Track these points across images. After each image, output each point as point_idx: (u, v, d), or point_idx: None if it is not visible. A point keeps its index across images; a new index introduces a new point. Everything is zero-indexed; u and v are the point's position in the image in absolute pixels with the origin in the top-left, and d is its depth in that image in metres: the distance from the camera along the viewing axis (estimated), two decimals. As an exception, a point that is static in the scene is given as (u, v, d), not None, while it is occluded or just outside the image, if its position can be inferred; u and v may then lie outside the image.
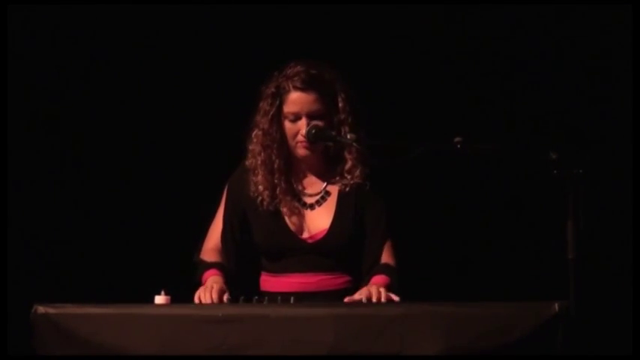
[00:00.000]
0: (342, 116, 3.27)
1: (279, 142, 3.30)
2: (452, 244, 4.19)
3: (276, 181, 3.31)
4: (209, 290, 3.09)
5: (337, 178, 3.34)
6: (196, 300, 3.08)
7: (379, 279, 3.22)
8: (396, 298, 3.03)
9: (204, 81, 4.23)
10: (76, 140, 4.24)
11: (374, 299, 3.00)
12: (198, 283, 3.23)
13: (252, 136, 3.34)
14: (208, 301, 3.04)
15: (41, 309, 2.75)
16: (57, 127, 4.22)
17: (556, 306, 2.61)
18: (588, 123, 4.12)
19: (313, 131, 3.21)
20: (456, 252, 4.19)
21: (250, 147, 3.35)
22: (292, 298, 2.98)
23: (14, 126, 4.12)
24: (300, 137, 3.26)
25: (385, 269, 3.26)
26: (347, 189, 3.32)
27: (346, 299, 3.06)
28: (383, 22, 4.19)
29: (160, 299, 2.89)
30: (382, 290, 3.04)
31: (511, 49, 4.17)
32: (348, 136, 3.19)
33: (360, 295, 3.06)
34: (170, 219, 4.15)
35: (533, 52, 4.16)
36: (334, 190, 3.35)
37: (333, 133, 3.23)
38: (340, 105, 3.28)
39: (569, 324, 2.61)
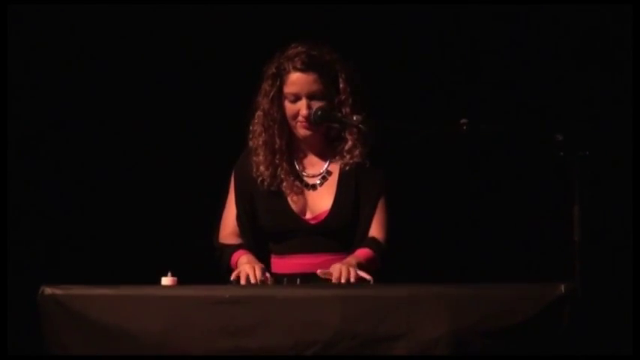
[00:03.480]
0: (343, 97, 3.28)
1: (280, 122, 3.31)
2: (457, 226, 4.19)
3: (277, 161, 3.32)
4: (251, 268, 3.10)
5: (337, 157, 3.35)
6: (243, 280, 3.08)
7: (362, 252, 3.24)
8: (367, 277, 3.04)
9: (211, 67, 4.23)
10: (84, 124, 4.24)
11: (342, 280, 3.00)
12: (226, 267, 3.26)
13: (255, 117, 3.35)
14: (253, 279, 3.05)
15: (48, 290, 2.75)
16: (65, 110, 4.22)
17: (562, 288, 2.61)
18: (593, 105, 4.11)
19: (319, 113, 3.21)
20: (462, 234, 4.19)
21: (252, 128, 3.36)
22: (298, 280, 2.99)
23: (19, 108, 4.13)
24: (300, 118, 3.27)
25: (371, 243, 3.27)
26: (347, 168, 3.33)
27: (319, 271, 3.07)
28: (388, 5, 4.18)
29: (166, 280, 2.90)
30: (352, 270, 3.04)
31: (516, 32, 4.16)
32: (354, 118, 3.19)
33: (332, 269, 3.06)
34: (177, 201, 4.16)
35: (539, 34, 4.15)
36: (335, 169, 3.36)
37: (339, 114, 3.23)
38: (341, 86, 3.29)
39: (575, 306, 2.61)
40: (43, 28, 4.15)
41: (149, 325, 2.70)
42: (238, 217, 3.39)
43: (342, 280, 3.00)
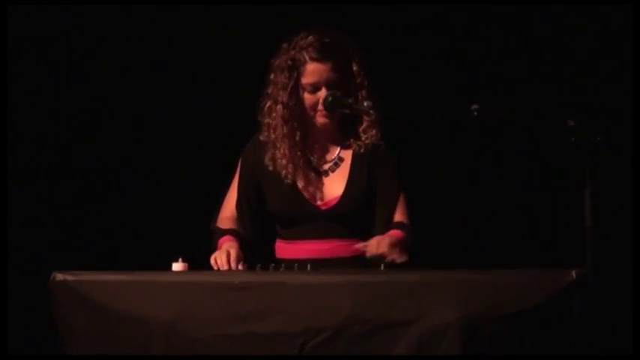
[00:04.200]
0: (359, 80, 3.28)
1: (299, 114, 3.30)
2: (468, 212, 4.19)
3: (298, 153, 3.31)
4: (225, 253, 3.12)
5: (352, 140, 3.34)
6: (212, 262, 3.10)
7: (395, 233, 3.23)
8: (403, 258, 3.06)
9: (219, 54, 4.23)
10: (92, 110, 4.24)
11: (382, 249, 3.05)
12: (214, 250, 3.25)
13: (267, 109, 3.33)
14: (224, 264, 3.07)
15: (60, 276, 2.76)
16: (75, 95, 4.22)
17: (573, 273, 2.60)
18: (604, 90, 4.10)
19: (330, 99, 3.20)
20: (472, 219, 4.18)
21: (266, 121, 3.34)
22: (309, 266, 3.00)
23: (29, 94, 4.14)
24: (320, 107, 3.26)
25: (400, 226, 3.28)
26: (361, 150, 3.32)
27: (368, 254, 3.09)
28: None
29: (177, 266, 2.90)
30: (394, 251, 3.07)
31: (527, 16, 4.14)
32: (365, 104, 3.18)
33: (376, 241, 3.10)
34: (188, 187, 4.16)
35: (551, 20, 4.13)
36: (347, 155, 3.36)
37: (350, 100, 3.23)
38: (355, 70, 3.28)
39: (586, 291, 2.60)
40: (43, 28, 4.14)
41: (160, 310, 2.71)
42: (238, 204, 3.39)
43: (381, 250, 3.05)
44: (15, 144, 4.11)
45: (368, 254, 3.09)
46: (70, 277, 2.76)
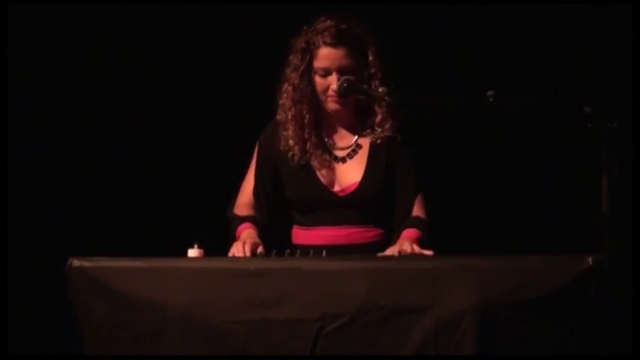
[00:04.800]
0: (373, 70, 3.27)
1: (310, 96, 3.30)
2: (484, 198, 4.18)
3: (306, 135, 3.31)
4: (242, 244, 3.11)
5: (368, 131, 3.34)
6: (231, 254, 3.10)
7: (410, 233, 3.22)
8: (429, 252, 3.02)
9: (235, 41, 4.22)
10: (109, 97, 4.25)
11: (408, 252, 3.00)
12: (232, 237, 3.26)
13: (283, 90, 3.34)
14: (242, 254, 3.06)
15: (76, 262, 2.76)
16: (95, 80, 4.23)
17: (590, 260, 2.60)
18: (621, 77, 4.08)
19: (345, 85, 3.19)
20: (489, 206, 4.18)
21: (281, 102, 3.35)
22: (324, 252, 2.99)
23: (44, 85, 4.16)
24: (330, 92, 3.26)
25: (416, 222, 3.26)
26: (378, 142, 3.32)
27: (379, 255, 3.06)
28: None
29: (193, 252, 2.90)
30: (415, 247, 3.04)
31: (544, 3, 4.12)
32: (380, 90, 3.17)
33: (391, 251, 3.06)
34: (203, 173, 4.16)
35: (568, 7, 4.11)
36: (365, 143, 3.35)
37: (365, 86, 3.22)
38: (370, 59, 3.27)
39: (603, 278, 2.60)
40: (43, 28, 4.14)
41: (175, 296, 2.71)
42: (255, 189, 3.40)
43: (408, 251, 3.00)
44: (31, 131, 4.12)
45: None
46: (86, 263, 2.76)
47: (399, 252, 3.02)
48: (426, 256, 2.98)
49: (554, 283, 2.61)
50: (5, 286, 3.83)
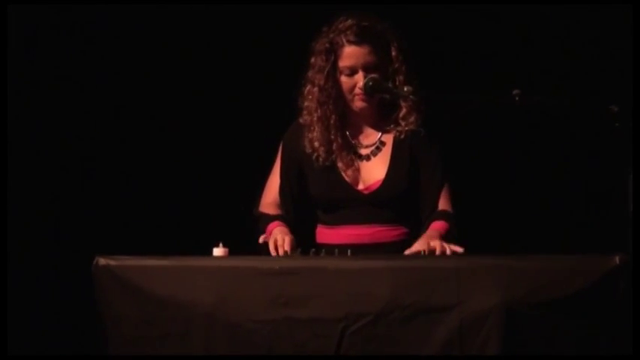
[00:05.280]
0: (396, 65, 3.27)
1: (335, 97, 3.30)
2: (511, 197, 4.16)
3: (332, 136, 3.31)
4: (281, 238, 3.11)
5: (392, 126, 3.33)
6: (271, 245, 3.10)
7: (438, 225, 3.22)
8: (459, 249, 3.01)
9: (261, 40, 4.23)
10: (134, 95, 4.27)
11: (437, 252, 2.98)
12: (260, 235, 3.26)
13: (306, 92, 3.34)
14: (282, 249, 3.07)
15: (102, 261, 2.78)
16: (117, 79, 4.25)
17: (616, 259, 2.58)
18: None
19: (370, 83, 3.19)
20: (514, 205, 4.16)
21: (305, 104, 3.35)
22: (349, 251, 2.99)
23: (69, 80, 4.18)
24: (357, 90, 3.26)
25: (443, 215, 3.26)
26: (402, 136, 3.31)
27: (407, 252, 3.05)
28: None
29: (218, 251, 2.91)
30: (444, 244, 3.02)
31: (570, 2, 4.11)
32: (405, 89, 3.17)
33: (420, 246, 3.05)
34: (228, 172, 4.17)
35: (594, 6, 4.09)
36: (389, 139, 3.35)
37: (390, 84, 3.22)
38: (393, 54, 3.27)
39: (630, 277, 2.58)
40: (42, 28, 4.16)
41: (200, 295, 2.72)
42: (281, 188, 3.40)
43: (437, 253, 2.97)
44: (53, 131, 4.15)
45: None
46: (112, 262, 2.77)
47: (427, 250, 3.00)
48: (456, 253, 2.97)
49: (581, 283, 2.60)
50: (5, 287, 3.85)
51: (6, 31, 3.98)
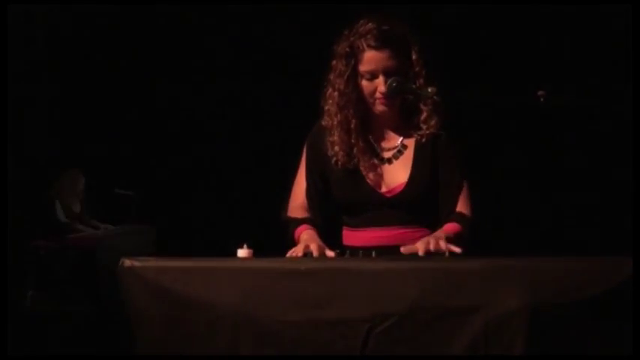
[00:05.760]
0: (417, 69, 3.27)
1: (356, 101, 3.30)
2: (531, 198, 4.16)
3: (353, 140, 3.31)
4: (306, 248, 3.08)
5: (413, 129, 3.33)
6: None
7: (450, 227, 3.22)
8: (457, 249, 3.01)
9: (282, 40, 4.24)
10: (157, 103, 4.29)
11: (431, 247, 2.98)
12: (290, 241, 3.27)
13: (327, 96, 3.34)
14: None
15: (127, 262, 2.78)
16: (144, 79, 4.27)
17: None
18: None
19: (394, 84, 3.19)
20: (536, 206, 4.16)
21: (326, 107, 3.35)
22: (374, 252, 2.99)
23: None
24: (378, 94, 3.26)
25: (458, 217, 3.26)
26: (423, 140, 3.31)
27: (402, 249, 3.05)
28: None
29: (242, 253, 2.92)
30: (441, 241, 3.02)
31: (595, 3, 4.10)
32: (429, 89, 3.17)
33: (420, 244, 3.04)
34: (252, 175, 4.19)
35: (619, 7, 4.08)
36: (410, 143, 3.35)
37: (413, 86, 3.21)
38: (414, 58, 3.27)
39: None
40: (43, 28, 4.18)
41: (225, 296, 2.72)
42: (308, 191, 3.40)
43: (431, 248, 2.98)
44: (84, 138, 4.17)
45: (421, 253, 3.02)
46: (137, 264, 2.78)
47: (425, 248, 2.99)
48: (454, 253, 2.98)
49: (606, 284, 2.59)
50: (6, 287, 3.86)
51: (6, 31, 4.00)
